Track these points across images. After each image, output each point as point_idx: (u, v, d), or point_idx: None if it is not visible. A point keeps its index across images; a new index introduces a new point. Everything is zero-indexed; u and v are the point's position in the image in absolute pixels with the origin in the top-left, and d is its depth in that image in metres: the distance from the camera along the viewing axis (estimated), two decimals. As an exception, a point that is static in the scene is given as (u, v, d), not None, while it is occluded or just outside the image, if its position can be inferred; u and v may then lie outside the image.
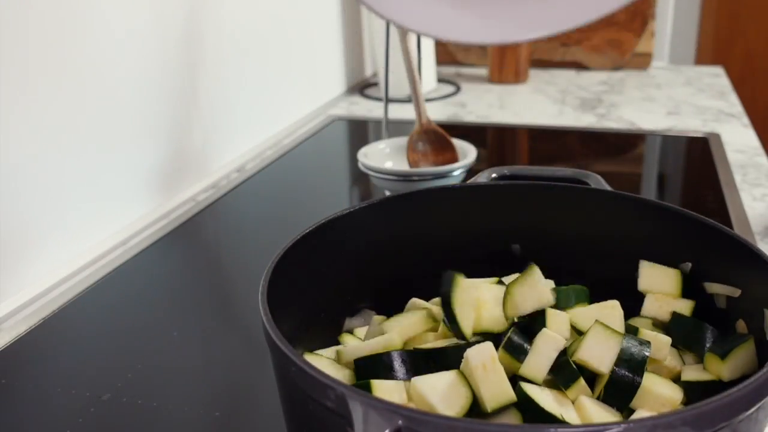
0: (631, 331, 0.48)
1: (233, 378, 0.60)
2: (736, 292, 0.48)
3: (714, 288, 0.49)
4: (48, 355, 0.64)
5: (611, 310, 0.48)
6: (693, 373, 0.45)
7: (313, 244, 0.50)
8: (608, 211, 0.55)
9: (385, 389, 0.41)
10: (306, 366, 0.34)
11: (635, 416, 0.42)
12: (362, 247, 0.54)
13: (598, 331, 0.45)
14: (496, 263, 0.58)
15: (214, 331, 0.67)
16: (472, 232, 0.58)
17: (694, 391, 0.44)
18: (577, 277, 0.55)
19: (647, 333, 0.48)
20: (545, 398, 0.41)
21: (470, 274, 0.54)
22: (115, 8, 0.84)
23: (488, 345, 0.42)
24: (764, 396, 0.33)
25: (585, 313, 0.48)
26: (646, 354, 0.43)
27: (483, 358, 0.41)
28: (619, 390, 0.43)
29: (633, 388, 0.43)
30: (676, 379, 0.46)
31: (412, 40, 0.94)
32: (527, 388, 0.41)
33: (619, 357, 0.43)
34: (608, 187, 0.58)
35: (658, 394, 0.43)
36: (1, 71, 0.70)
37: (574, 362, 0.44)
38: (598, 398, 0.43)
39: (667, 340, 0.47)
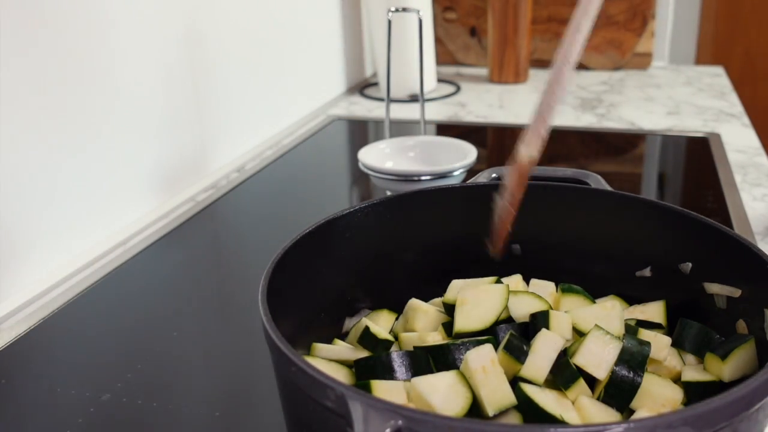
0: (631, 330, 0.48)
1: (233, 378, 0.60)
2: (736, 293, 0.48)
3: (714, 288, 0.49)
4: (48, 355, 0.64)
5: (611, 310, 0.48)
6: (693, 374, 0.45)
7: (313, 244, 0.50)
8: (608, 211, 0.55)
9: (384, 389, 0.41)
10: (306, 366, 0.34)
11: (635, 416, 0.42)
12: (362, 247, 0.54)
13: (597, 337, 0.44)
14: (496, 263, 0.58)
15: (214, 331, 0.67)
16: (472, 232, 0.58)
17: (694, 392, 0.44)
18: (577, 276, 0.55)
19: (647, 333, 0.48)
20: (545, 399, 0.41)
21: (470, 274, 0.54)
22: (115, 8, 0.84)
23: (488, 347, 0.42)
24: (764, 396, 0.33)
25: (585, 313, 0.48)
26: (646, 354, 0.43)
27: (483, 361, 0.41)
28: (619, 390, 0.43)
29: (633, 387, 0.43)
30: (676, 380, 0.46)
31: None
32: (527, 388, 0.41)
33: (619, 357, 0.43)
34: (608, 187, 0.58)
35: (658, 394, 0.43)
36: (1, 72, 0.70)
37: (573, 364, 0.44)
38: (598, 399, 0.43)
39: (667, 340, 0.47)
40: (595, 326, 0.45)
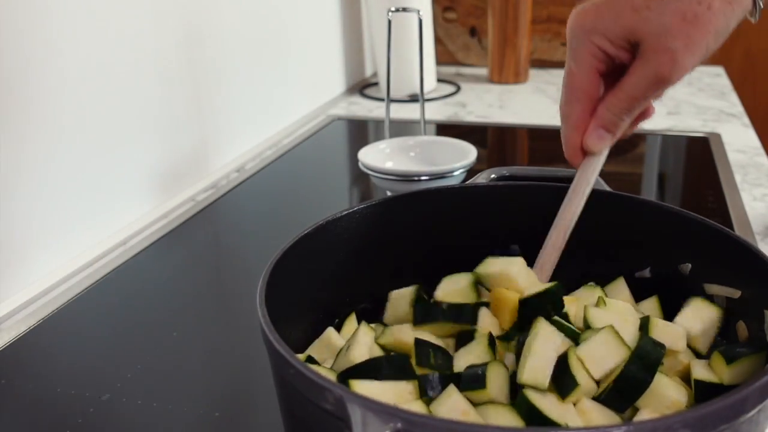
0: (645, 321, 0.47)
1: (233, 378, 0.60)
2: (735, 293, 0.48)
3: (714, 289, 0.49)
4: (48, 355, 0.64)
5: (628, 324, 0.47)
6: (704, 372, 0.44)
7: (311, 245, 0.49)
8: (608, 212, 0.55)
9: (366, 389, 0.41)
10: (304, 368, 0.34)
11: (638, 416, 0.41)
12: (361, 247, 0.54)
13: (609, 338, 0.43)
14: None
15: (214, 331, 0.67)
16: (472, 233, 0.58)
17: (703, 390, 0.43)
18: (576, 277, 0.55)
19: (662, 323, 0.47)
20: (548, 405, 0.40)
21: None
22: (115, 9, 0.84)
23: (456, 398, 0.41)
24: (765, 398, 0.33)
25: (600, 314, 0.48)
26: (660, 356, 0.43)
27: (455, 414, 0.40)
28: (628, 385, 0.42)
29: (642, 387, 0.42)
30: (685, 375, 0.46)
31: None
32: (530, 395, 0.40)
33: (634, 353, 0.42)
34: (607, 188, 0.58)
35: (663, 395, 0.42)
36: (1, 72, 0.70)
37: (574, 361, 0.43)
38: (603, 392, 0.42)
39: (683, 331, 0.46)
40: (611, 327, 0.44)
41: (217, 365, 0.62)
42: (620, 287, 0.54)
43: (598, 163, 0.53)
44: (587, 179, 0.53)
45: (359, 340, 0.47)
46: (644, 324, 0.47)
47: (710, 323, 0.48)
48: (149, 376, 0.59)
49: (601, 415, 0.41)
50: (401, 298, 0.52)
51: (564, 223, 0.52)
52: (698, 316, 0.48)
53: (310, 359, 0.48)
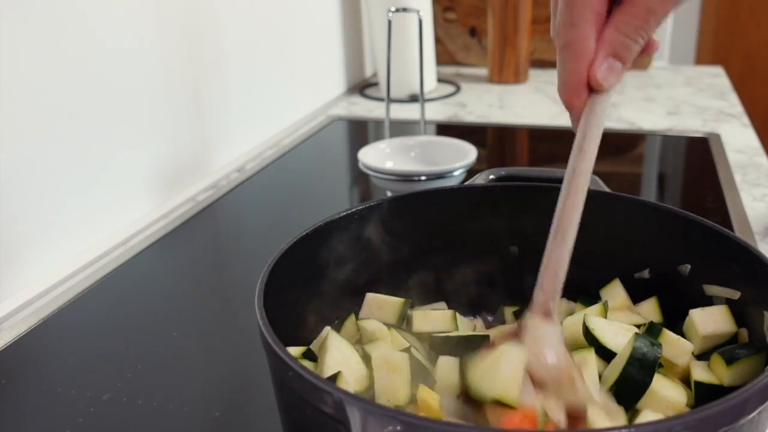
0: (655, 330, 0.47)
1: (233, 378, 0.60)
2: (735, 294, 0.48)
3: (713, 290, 0.49)
4: (48, 355, 0.64)
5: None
6: (704, 374, 0.45)
7: (310, 246, 0.49)
8: (606, 213, 0.55)
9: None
10: (303, 371, 0.34)
11: (639, 418, 0.41)
12: (360, 248, 0.54)
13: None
14: (494, 265, 0.58)
15: (214, 331, 0.67)
16: (471, 234, 0.58)
17: (703, 391, 0.44)
18: (575, 279, 0.54)
19: (671, 336, 0.46)
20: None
21: (469, 276, 0.54)
22: (115, 9, 0.84)
23: None
24: (766, 400, 0.33)
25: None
26: (658, 355, 0.43)
27: None
28: (628, 389, 0.42)
29: (642, 388, 0.42)
30: (685, 377, 0.46)
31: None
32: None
33: (631, 354, 0.42)
34: (606, 189, 0.58)
35: (663, 397, 0.42)
36: (3, 74, 0.70)
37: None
38: (610, 388, 0.42)
39: (690, 346, 0.46)
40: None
41: (217, 365, 0.62)
42: (617, 289, 0.54)
43: (605, 103, 0.45)
44: (598, 123, 0.45)
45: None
46: (652, 330, 0.47)
47: (720, 334, 0.47)
48: (149, 376, 0.59)
49: (604, 416, 0.41)
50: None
51: (582, 179, 0.45)
52: (712, 320, 0.48)
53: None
